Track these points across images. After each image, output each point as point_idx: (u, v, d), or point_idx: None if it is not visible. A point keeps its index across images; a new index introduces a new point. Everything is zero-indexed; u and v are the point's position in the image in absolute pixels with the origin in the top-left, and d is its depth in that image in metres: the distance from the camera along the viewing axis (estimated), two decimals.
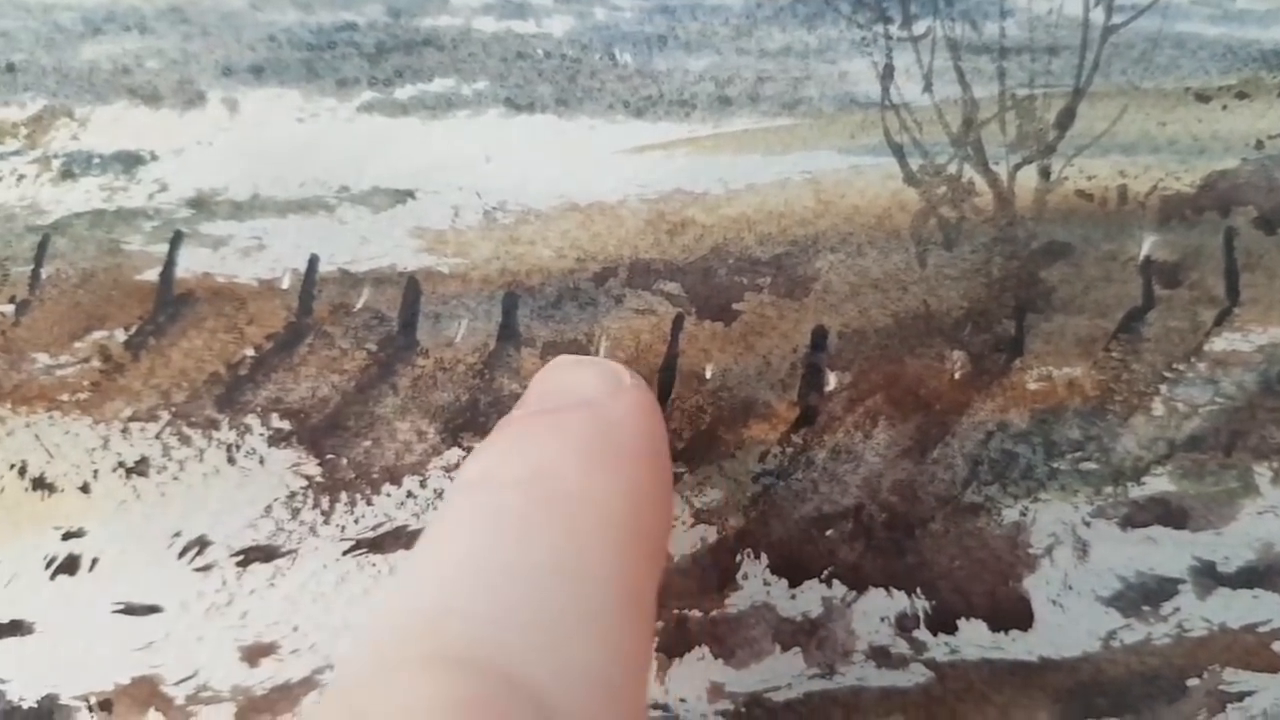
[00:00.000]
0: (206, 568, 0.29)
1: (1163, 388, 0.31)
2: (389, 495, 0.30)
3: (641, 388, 0.26)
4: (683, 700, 0.30)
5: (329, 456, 0.30)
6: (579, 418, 0.25)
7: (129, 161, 0.30)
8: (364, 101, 0.30)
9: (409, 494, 0.30)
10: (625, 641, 0.22)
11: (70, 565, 0.29)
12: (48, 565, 0.29)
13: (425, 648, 0.20)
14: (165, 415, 0.29)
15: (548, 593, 0.21)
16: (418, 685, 0.19)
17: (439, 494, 0.30)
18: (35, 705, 0.29)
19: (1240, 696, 0.30)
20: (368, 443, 0.30)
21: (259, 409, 0.30)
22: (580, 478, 0.23)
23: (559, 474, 0.23)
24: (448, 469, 0.30)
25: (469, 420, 0.30)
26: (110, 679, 0.29)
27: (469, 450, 0.30)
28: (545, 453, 0.23)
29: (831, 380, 0.30)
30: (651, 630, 0.25)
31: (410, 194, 0.30)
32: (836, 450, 0.30)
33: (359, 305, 0.30)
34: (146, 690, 0.29)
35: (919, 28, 0.31)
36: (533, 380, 0.27)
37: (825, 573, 0.30)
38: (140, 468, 0.29)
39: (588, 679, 0.20)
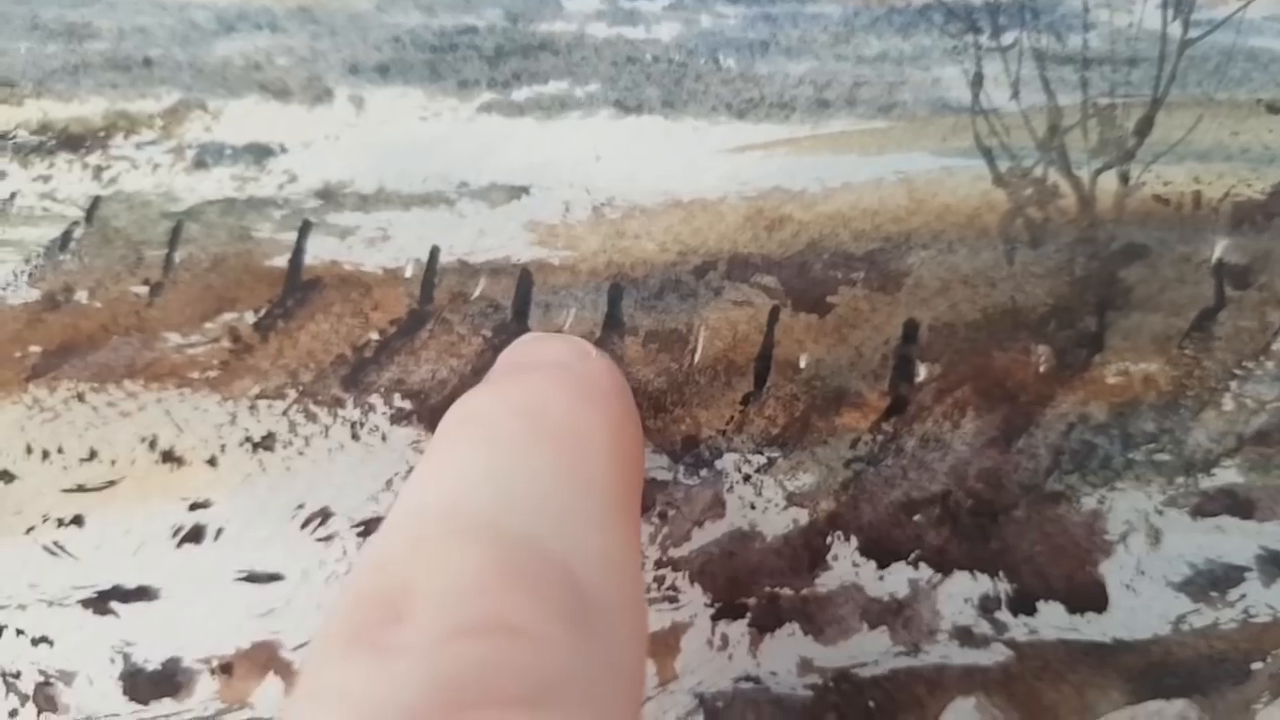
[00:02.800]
0: (328, 538, 0.30)
1: (1232, 384, 0.31)
2: None
3: (606, 360, 0.27)
4: (774, 673, 0.30)
5: None
6: (553, 371, 0.25)
7: (259, 153, 0.30)
8: (483, 102, 0.30)
9: None
10: (627, 539, 0.22)
11: (196, 534, 0.29)
12: (174, 534, 0.29)
13: (454, 524, 0.20)
14: (292, 393, 0.30)
15: (554, 491, 0.21)
16: (453, 551, 0.19)
17: None
18: (159, 667, 0.29)
19: None
20: None
21: (382, 389, 0.30)
22: (566, 412, 0.23)
23: (546, 409, 0.23)
24: None
25: None
26: (231, 644, 0.29)
27: None
28: (531, 392, 0.23)
29: (922, 371, 0.30)
30: (639, 542, 0.25)
31: (525, 190, 0.31)
32: (925, 439, 0.30)
33: (476, 294, 0.30)
34: (266, 655, 0.29)
35: (1007, 38, 0.31)
36: (501, 355, 0.27)
37: (912, 555, 0.30)
38: (267, 443, 0.30)
39: (604, 561, 0.20)
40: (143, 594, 0.29)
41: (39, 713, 0.29)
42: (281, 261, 0.30)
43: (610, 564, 0.21)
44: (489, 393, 0.24)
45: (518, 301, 0.30)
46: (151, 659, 0.29)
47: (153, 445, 0.29)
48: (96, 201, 0.30)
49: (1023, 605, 0.31)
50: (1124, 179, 0.31)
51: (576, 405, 0.23)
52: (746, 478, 0.30)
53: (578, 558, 0.20)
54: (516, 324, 0.30)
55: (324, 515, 0.30)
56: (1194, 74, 0.32)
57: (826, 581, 0.30)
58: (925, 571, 0.30)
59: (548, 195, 0.31)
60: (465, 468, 0.22)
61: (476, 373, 0.30)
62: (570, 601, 0.19)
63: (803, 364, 0.30)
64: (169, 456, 0.29)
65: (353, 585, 0.20)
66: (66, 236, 0.30)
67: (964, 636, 0.30)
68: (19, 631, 0.29)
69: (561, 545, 0.20)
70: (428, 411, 0.30)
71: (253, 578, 0.29)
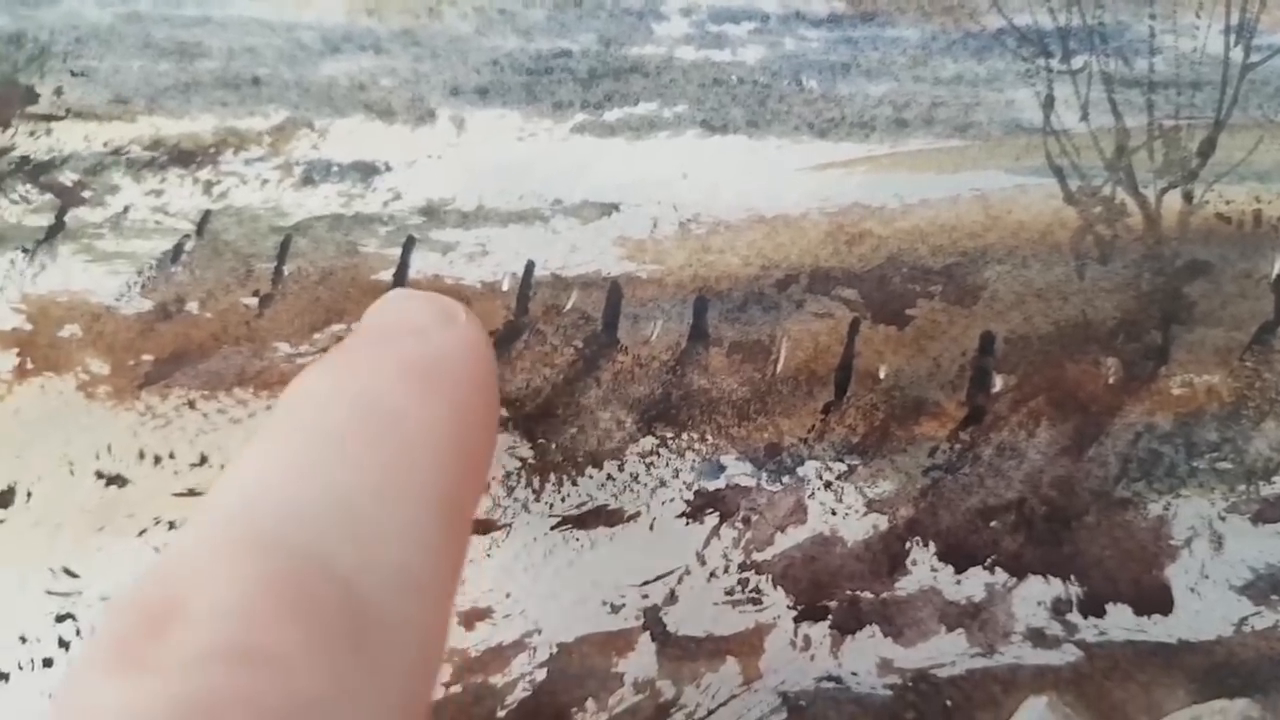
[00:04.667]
0: None
1: None
2: (591, 477, 0.31)
3: (474, 326, 0.24)
4: (854, 674, 0.30)
5: (540, 440, 0.30)
6: (406, 344, 0.23)
7: (365, 171, 0.31)
8: (576, 123, 0.31)
9: (609, 476, 0.31)
10: (440, 549, 0.21)
11: None
12: None
13: (238, 534, 0.19)
14: None
15: (358, 497, 0.20)
16: (230, 566, 0.18)
17: (635, 477, 0.31)
18: None
19: None
20: (574, 429, 0.31)
21: None
22: (402, 397, 0.21)
23: (381, 392, 0.21)
24: (642, 455, 0.31)
25: (662, 411, 0.31)
26: None
27: (663, 439, 0.31)
28: (368, 373, 0.22)
29: (998, 382, 0.31)
30: (466, 545, 0.23)
31: (615, 207, 0.31)
32: (1001, 447, 0.31)
33: (568, 306, 0.31)
34: None
35: (1077, 62, 0.32)
36: (367, 311, 0.25)
37: (988, 560, 0.31)
38: None
39: (399, 576, 0.19)
40: None
41: None
42: (386, 275, 0.30)
43: (406, 578, 0.19)
44: (325, 371, 0.22)
45: (608, 313, 0.31)
46: None
47: None
48: (207, 215, 0.30)
49: (1093, 608, 0.31)
50: (1188, 198, 0.32)
51: (413, 391, 0.21)
52: (828, 484, 0.30)
53: (366, 574, 0.19)
54: (606, 335, 0.31)
55: None
56: (1255, 97, 0.32)
57: (905, 585, 0.30)
58: (1000, 575, 0.31)
59: (637, 212, 0.31)
60: (270, 465, 0.20)
61: (568, 381, 0.31)
62: (343, 625, 0.18)
63: (882, 374, 0.31)
64: None
65: (131, 591, 0.18)
66: (178, 249, 0.30)
67: (1037, 638, 0.31)
68: None
69: (349, 561, 0.19)
70: (522, 419, 0.30)
71: None
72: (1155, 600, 0.31)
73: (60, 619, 0.30)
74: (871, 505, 0.30)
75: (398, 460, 0.21)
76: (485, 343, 0.25)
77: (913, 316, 0.31)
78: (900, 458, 0.31)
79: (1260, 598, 0.31)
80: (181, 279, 0.30)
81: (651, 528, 0.31)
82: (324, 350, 0.30)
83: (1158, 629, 0.31)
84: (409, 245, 0.30)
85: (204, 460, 0.30)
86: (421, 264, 0.30)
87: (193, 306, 0.30)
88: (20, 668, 0.29)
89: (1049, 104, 0.32)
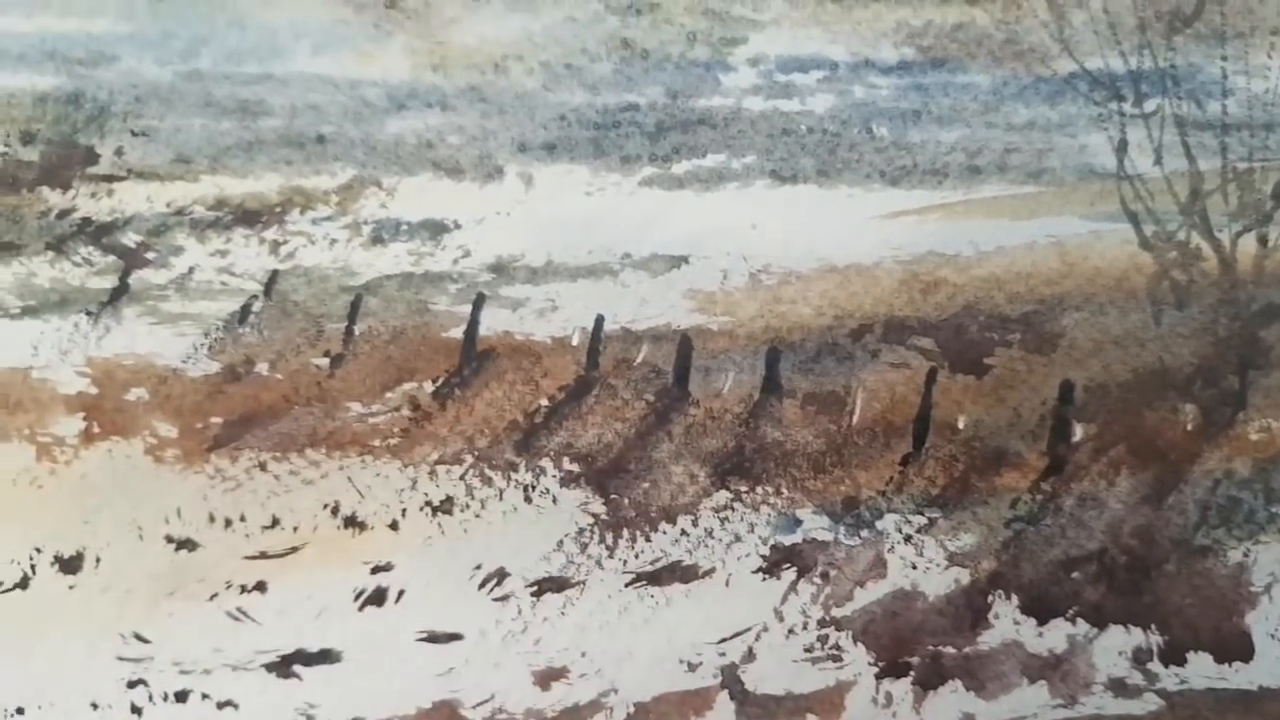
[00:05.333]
0: (504, 598, 0.29)
1: None
2: (664, 532, 0.30)
3: None
4: None
5: (613, 496, 0.30)
6: None
7: (435, 229, 0.30)
8: (645, 176, 0.30)
9: (683, 531, 0.30)
10: None
11: (378, 597, 0.29)
12: (356, 597, 0.29)
13: None
14: (469, 459, 0.29)
15: None
16: None
17: (709, 532, 0.30)
18: None
19: None
20: (646, 484, 0.30)
21: (552, 453, 0.30)
22: None
23: None
24: (717, 509, 0.30)
25: (736, 465, 0.30)
26: (413, 703, 0.29)
27: (737, 493, 0.30)
28: None
29: (1078, 431, 0.30)
30: None
31: (684, 259, 0.30)
32: (1082, 497, 0.30)
33: (639, 360, 0.30)
34: (446, 714, 0.29)
35: (1149, 105, 0.31)
36: None
37: (1070, 611, 0.30)
38: (445, 506, 0.29)
39: None
40: (325, 657, 0.29)
41: None
42: (457, 333, 0.30)
43: None
44: None
45: (678, 366, 0.30)
46: None
47: (335, 511, 0.29)
48: (275, 276, 0.30)
49: (1174, 656, 0.30)
50: (1263, 241, 0.31)
51: None
52: (908, 538, 0.30)
53: None
54: (677, 388, 0.30)
55: (500, 575, 0.29)
56: None
57: (988, 639, 0.30)
58: (1082, 626, 0.30)
59: (706, 264, 0.30)
60: None
61: (640, 436, 0.30)
62: None
63: (961, 425, 0.30)
64: (351, 522, 0.29)
65: None
66: (246, 310, 0.30)
67: (1118, 688, 0.30)
68: (204, 696, 0.29)
69: None
70: (595, 474, 0.30)
71: (433, 638, 0.29)
72: (1236, 647, 0.31)
73: (132, 685, 0.29)
74: (953, 559, 0.30)
75: None
76: None
77: (991, 365, 0.30)
78: (982, 510, 0.30)
79: None
80: (250, 340, 0.29)
81: (727, 584, 0.30)
82: (396, 409, 0.29)
83: (1238, 676, 0.30)
84: (479, 302, 0.30)
85: (276, 522, 0.29)
86: (492, 321, 0.30)
87: (262, 368, 0.29)
88: None
89: (1122, 148, 0.31)
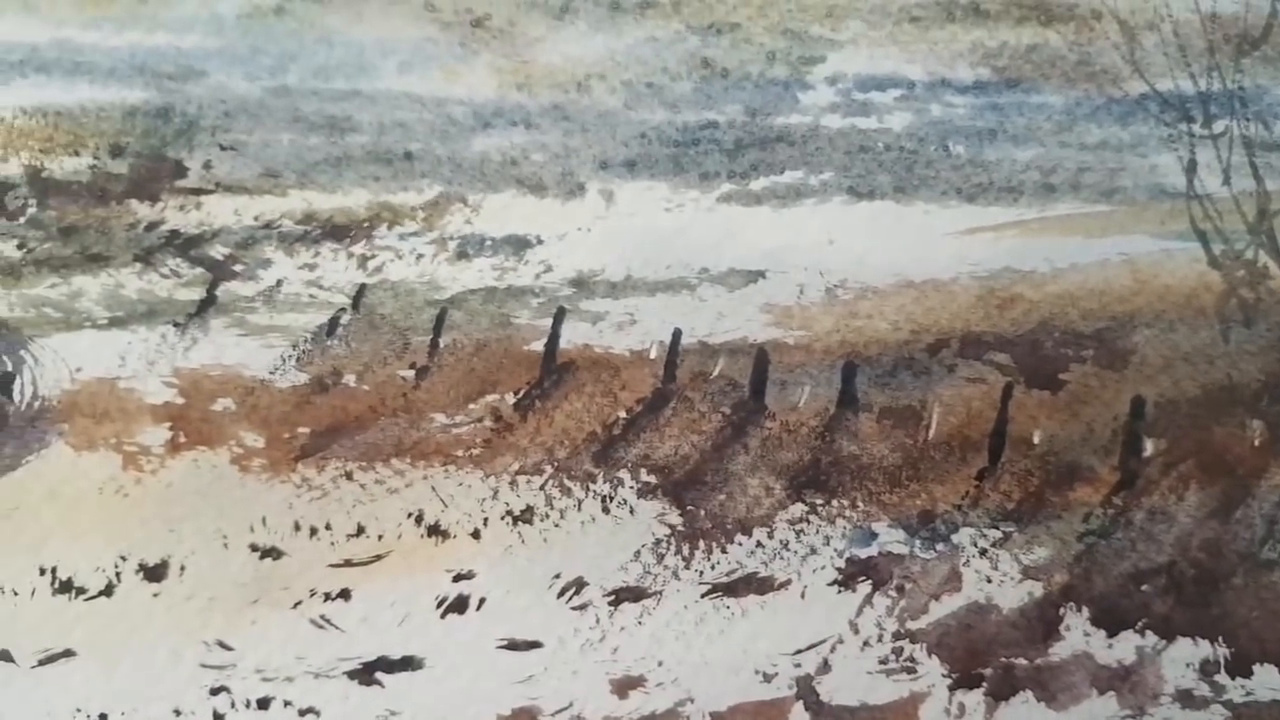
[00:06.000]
0: (583, 607, 0.29)
1: None
2: (740, 544, 0.30)
3: None
4: None
5: (689, 508, 0.30)
6: None
7: (518, 245, 0.30)
8: (723, 193, 0.30)
9: (758, 543, 0.30)
10: None
11: (460, 605, 0.29)
12: (439, 605, 0.29)
13: None
14: (549, 469, 0.30)
15: None
16: None
17: (785, 544, 0.30)
18: None
19: None
20: (722, 496, 0.30)
21: (630, 464, 0.30)
22: None
23: None
24: (792, 522, 0.30)
25: (811, 478, 0.30)
26: (493, 711, 0.28)
27: (812, 506, 0.30)
28: None
29: (1149, 447, 0.31)
30: None
31: (761, 274, 0.30)
32: (1152, 511, 0.30)
33: (715, 373, 0.30)
34: None
35: (1218, 126, 0.31)
36: None
37: (1140, 624, 0.30)
38: (526, 516, 0.29)
39: None
40: (407, 664, 0.29)
41: None
42: (539, 346, 0.30)
43: None
44: None
45: (755, 380, 0.30)
46: None
47: (419, 520, 0.29)
48: (362, 289, 0.30)
49: (1240, 668, 0.30)
50: None
51: None
52: (983, 551, 0.30)
53: None
54: (754, 401, 0.30)
55: (578, 585, 0.29)
56: None
57: (1059, 651, 0.30)
58: (1151, 638, 0.30)
59: (783, 279, 0.31)
60: None
61: (716, 448, 0.30)
62: None
63: (1036, 440, 0.30)
64: (434, 530, 0.29)
65: None
66: (334, 322, 0.30)
67: (1185, 699, 0.30)
68: (286, 703, 0.29)
69: None
70: (672, 486, 0.30)
71: (513, 645, 0.29)
72: None
73: (215, 692, 0.29)
74: (1027, 572, 0.30)
75: None
76: None
77: (1065, 381, 0.30)
78: (1055, 524, 0.30)
79: None
80: (338, 352, 0.30)
81: (803, 596, 0.30)
82: (479, 420, 0.30)
83: None
84: (560, 316, 0.30)
85: (361, 531, 0.29)
86: (572, 334, 0.30)
87: (349, 379, 0.30)
88: None
89: (1192, 168, 0.31)
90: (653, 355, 0.30)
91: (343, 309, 0.30)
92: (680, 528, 0.30)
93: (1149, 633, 0.30)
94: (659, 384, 0.30)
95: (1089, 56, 0.31)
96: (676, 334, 0.30)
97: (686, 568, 0.30)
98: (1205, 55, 0.31)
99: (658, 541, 0.30)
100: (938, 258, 0.30)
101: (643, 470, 0.30)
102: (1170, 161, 0.31)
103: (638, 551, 0.29)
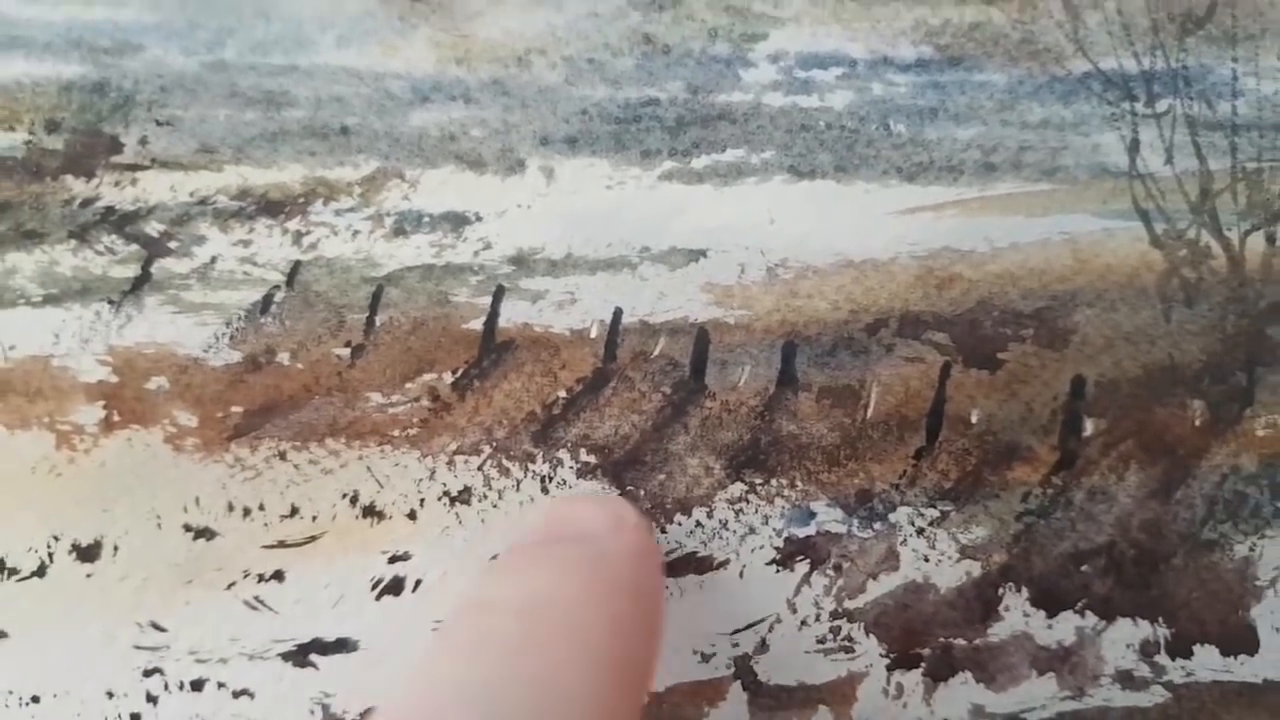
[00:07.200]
0: None
1: None
2: (680, 524, 0.30)
3: (643, 528, 0.25)
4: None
5: (629, 488, 0.29)
6: (577, 551, 0.24)
7: (456, 221, 0.29)
8: (664, 170, 0.30)
9: (697, 523, 0.30)
10: None
11: (395, 587, 0.29)
12: (374, 587, 0.29)
13: None
14: (487, 449, 0.29)
15: (527, 709, 0.20)
16: None
17: (724, 524, 0.30)
18: (358, 719, 0.29)
19: None
20: (662, 476, 0.30)
21: (569, 444, 0.29)
22: (569, 608, 0.22)
23: (550, 603, 0.22)
24: (731, 501, 0.30)
25: (751, 458, 0.30)
26: None
27: (751, 486, 0.30)
28: (540, 583, 0.23)
29: (1089, 426, 0.30)
30: None
31: (702, 253, 0.30)
32: (1092, 491, 0.30)
33: (656, 352, 0.30)
34: None
35: (1161, 105, 0.31)
36: (546, 508, 0.27)
37: (1079, 604, 0.30)
38: (463, 496, 0.29)
39: None
40: (342, 646, 0.29)
41: None
42: (477, 324, 0.29)
43: None
44: (503, 578, 0.24)
45: (695, 359, 0.30)
46: (350, 710, 0.29)
47: (354, 501, 0.29)
48: (297, 266, 0.29)
49: (1180, 649, 0.30)
50: (1270, 240, 0.31)
51: (585, 600, 0.22)
52: (920, 531, 0.30)
53: None
54: (694, 381, 0.30)
55: None
56: None
57: (998, 631, 0.30)
58: (1091, 619, 0.30)
59: (724, 258, 0.30)
60: (453, 675, 0.21)
61: (656, 428, 0.30)
62: None
63: (974, 419, 0.30)
64: (369, 511, 0.29)
65: None
66: (268, 300, 0.29)
67: (1126, 680, 0.30)
68: (220, 685, 0.28)
69: None
70: (611, 466, 0.30)
71: None
72: (1241, 641, 0.30)
73: (148, 673, 0.28)
74: (965, 552, 0.30)
75: (564, 672, 0.21)
76: (652, 545, 0.25)
77: (1004, 360, 0.30)
78: (993, 503, 0.30)
79: None
80: (271, 330, 0.29)
81: (741, 575, 0.30)
82: (416, 400, 0.29)
83: (1243, 669, 0.30)
84: (499, 294, 0.29)
85: (295, 512, 0.29)
86: (511, 313, 0.29)
87: (283, 357, 0.29)
88: None
89: (1134, 148, 0.31)
90: (593, 334, 0.29)
91: (277, 286, 0.29)
92: None
93: (1089, 613, 0.30)
94: (599, 363, 0.29)
95: (1032, 34, 0.30)
96: (617, 313, 0.29)
97: None
98: (1149, 34, 0.31)
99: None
100: (878, 237, 0.30)
101: (582, 450, 0.29)
102: (1113, 140, 0.30)
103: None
